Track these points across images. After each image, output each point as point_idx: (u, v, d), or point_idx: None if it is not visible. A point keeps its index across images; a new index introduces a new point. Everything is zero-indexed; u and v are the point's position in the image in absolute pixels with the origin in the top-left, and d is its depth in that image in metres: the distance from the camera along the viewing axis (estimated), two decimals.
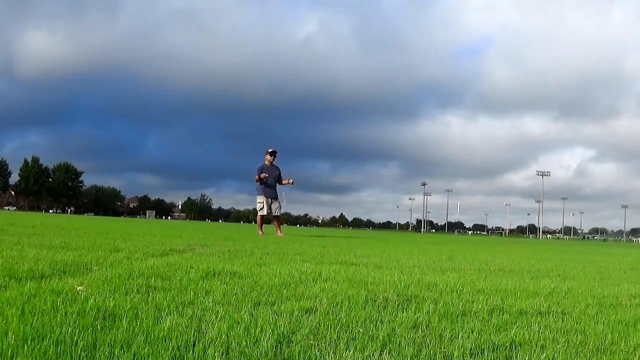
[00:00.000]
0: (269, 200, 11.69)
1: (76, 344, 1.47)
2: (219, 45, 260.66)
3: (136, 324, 1.72)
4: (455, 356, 1.63)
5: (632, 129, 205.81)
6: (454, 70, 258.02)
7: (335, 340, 1.70)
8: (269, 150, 11.94)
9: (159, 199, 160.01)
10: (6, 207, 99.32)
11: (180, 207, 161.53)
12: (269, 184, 11.74)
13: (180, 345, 1.53)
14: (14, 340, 1.46)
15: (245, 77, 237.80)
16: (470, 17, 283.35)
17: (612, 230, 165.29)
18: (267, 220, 12.12)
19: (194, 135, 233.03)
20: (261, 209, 11.59)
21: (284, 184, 11.98)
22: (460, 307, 2.45)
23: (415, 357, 1.61)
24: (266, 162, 11.80)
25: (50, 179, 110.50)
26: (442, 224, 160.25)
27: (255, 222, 12.51)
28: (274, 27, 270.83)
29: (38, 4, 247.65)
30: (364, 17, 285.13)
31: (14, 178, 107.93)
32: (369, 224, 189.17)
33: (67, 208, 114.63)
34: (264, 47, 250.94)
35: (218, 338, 1.62)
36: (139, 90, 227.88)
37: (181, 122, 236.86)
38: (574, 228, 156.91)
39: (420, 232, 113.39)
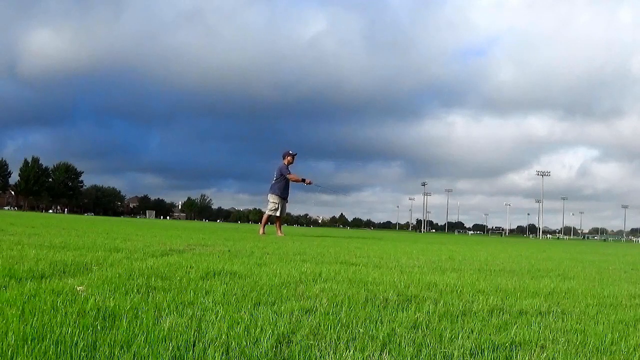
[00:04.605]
0: (283, 201, 11.66)
1: (76, 344, 1.47)
2: (224, 45, 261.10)
3: (136, 324, 1.72)
4: (455, 356, 1.63)
5: (637, 129, 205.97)
6: (460, 70, 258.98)
7: (335, 340, 1.70)
8: (292, 153, 11.81)
9: (159, 199, 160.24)
10: (6, 207, 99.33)
11: (180, 207, 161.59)
12: (288, 186, 11.71)
13: (180, 345, 1.53)
14: (14, 340, 1.46)
15: (251, 77, 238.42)
16: (478, 17, 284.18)
17: (612, 231, 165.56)
18: (269, 220, 12.07)
19: (196, 135, 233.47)
20: (274, 209, 11.52)
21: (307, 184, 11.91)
22: (460, 307, 2.45)
23: (415, 357, 1.61)
24: (285, 163, 11.69)
25: (50, 179, 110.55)
26: (442, 224, 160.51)
27: (260, 222, 12.47)
28: (281, 27, 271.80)
29: (42, 4, 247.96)
30: (371, 17, 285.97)
31: (14, 178, 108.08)
32: (369, 224, 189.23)
33: (63, 208, 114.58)
34: (270, 47, 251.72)
35: (218, 338, 1.63)
36: (142, 90, 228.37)
37: (184, 122, 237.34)
38: (574, 228, 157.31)
39: (421, 232, 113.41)
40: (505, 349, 1.75)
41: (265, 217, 11.84)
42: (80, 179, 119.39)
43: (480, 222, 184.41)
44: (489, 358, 1.65)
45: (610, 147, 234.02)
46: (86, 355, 1.41)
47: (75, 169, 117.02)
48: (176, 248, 5.19)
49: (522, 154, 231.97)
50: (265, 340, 1.63)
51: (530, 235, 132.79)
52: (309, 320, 1.95)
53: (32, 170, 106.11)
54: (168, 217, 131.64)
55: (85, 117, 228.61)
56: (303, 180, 11.73)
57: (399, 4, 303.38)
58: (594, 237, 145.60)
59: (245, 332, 1.71)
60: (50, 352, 1.40)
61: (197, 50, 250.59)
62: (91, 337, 1.55)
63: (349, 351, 1.60)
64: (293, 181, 11.69)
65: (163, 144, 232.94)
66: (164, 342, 1.54)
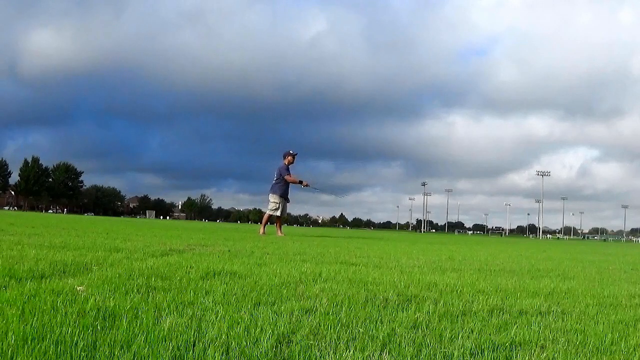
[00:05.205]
0: (284, 201, 11.67)
1: (76, 344, 1.47)
2: (225, 45, 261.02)
3: (136, 324, 1.72)
4: (455, 356, 1.63)
5: (637, 129, 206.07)
6: (460, 70, 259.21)
7: (335, 340, 1.70)
8: (292, 153, 11.81)
9: (159, 199, 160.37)
10: (6, 207, 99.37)
11: (180, 207, 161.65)
12: (289, 186, 11.71)
13: (180, 345, 1.53)
14: (14, 340, 1.46)
15: (251, 77, 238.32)
16: (478, 17, 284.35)
17: (612, 230, 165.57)
18: (269, 220, 12.07)
19: (197, 136, 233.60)
20: (275, 209, 11.53)
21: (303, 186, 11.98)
22: (460, 307, 2.45)
23: (415, 357, 1.61)
24: (285, 163, 11.69)
25: (50, 179, 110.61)
26: (442, 224, 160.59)
27: (260, 222, 12.48)
28: (281, 27, 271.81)
29: (42, 4, 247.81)
30: (372, 17, 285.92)
31: (14, 178, 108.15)
32: (369, 224, 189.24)
33: (63, 208, 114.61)
34: (271, 47, 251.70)
35: (218, 338, 1.62)
36: (143, 91, 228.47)
37: (184, 122, 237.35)
38: (574, 228, 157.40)
39: (421, 232, 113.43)
40: (505, 349, 1.75)
41: (265, 216, 11.85)
42: (80, 179, 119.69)
43: (480, 222, 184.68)
44: (489, 358, 1.65)
45: (610, 147, 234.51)
46: (86, 355, 1.41)
47: (75, 169, 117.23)
48: (176, 248, 5.19)
49: (522, 154, 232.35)
50: (265, 340, 1.63)
51: (530, 235, 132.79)
52: (309, 320, 1.95)
53: (32, 170, 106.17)
54: (168, 217, 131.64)
55: (85, 117, 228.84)
56: (300, 182, 11.75)
57: (399, 4, 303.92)
58: (594, 237, 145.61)
59: (245, 332, 1.71)
60: (50, 352, 1.40)
61: (198, 50, 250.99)
62: (91, 337, 1.55)
63: (349, 351, 1.60)
64: (290, 182, 11.70)
65: (163, 144, 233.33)
66: (164, 342, 1.54)
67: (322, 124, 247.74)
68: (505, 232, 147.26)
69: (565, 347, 1.81)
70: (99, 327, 1.66)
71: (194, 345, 1.54)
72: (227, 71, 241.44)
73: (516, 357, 1.68)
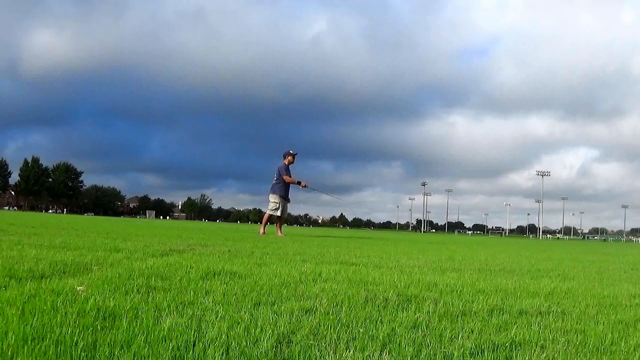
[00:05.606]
0: (284, 201, 11.65)
1: (76, 344, 1.47)
2: (226, 45, 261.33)
3: (136, 324, 1.72)
4: (455, 356, 1.63)
5: (637, 129, 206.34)
6: (461, 70, 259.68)
7: (335, 340, 1.70)
8: (292, 153, 11.80)
9: (159, 199, 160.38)
10: (6, 207, 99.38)
11: (180, 207, 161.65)
12: (289, 186, 11.69)
13: (180, 345, 1.53)
14: (14, 340, 1.46)
15: (251, 77, 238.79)
16: (479, 17, 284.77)
17: (612, 230, 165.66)
18: (269, 220, 12.06)
19: (197, 136, 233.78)
20: (275, 209, 11.50)
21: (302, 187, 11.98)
22: (460, 307, 2.45)
23: (415, 357, 1.61)
24: (285, 163, 11.68)
25: (50, 179, 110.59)
26: (442, 224, 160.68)
27: (261, 222, 12.46)
28: (282, 27, 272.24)
29: (44, 4, 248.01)
30: (373, 17, 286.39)
31: (14, 178, 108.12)
32: (369, 224, 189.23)
33: (63, 208, 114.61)
34: (272, 47, 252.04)
35: (218, 338, 1.62)
36: (144, 91, 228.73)
37: (184, 122, 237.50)
38: (574, 228, 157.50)
39: (421, 232, 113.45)
40: (505, 349, 1.75)
41: (266, 216, 11.84)
42: (80, 179, 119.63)
43: (480, 222, 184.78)
44: (489, 358, 1.65)
45: (610, 147, 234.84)
46: (86, 355, 1.41)
47: (75, 169, 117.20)
48: (176, 248, 5.19)
49: (522, 153, 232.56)
50: (265, 340, 1.63)
51: (530, 235, 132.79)
52: (309, 320, 1.95)
53: (32, 170, 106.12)
54: (168, 217, 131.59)
55: (85, 117, 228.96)
56: (299, 183, 11.73)
57: (399, 4, 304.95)
58: (594, 237, 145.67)
59: (245, 332, 1.71)
60: (50, 352, 1.40)
61: (198, 50, 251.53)
62: (91, 337, 1.54)
63: (349, 351, 1.60)
64: (288, 182, 11.69)
65: (163, 144, 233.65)
66: (164, 342, 1.54)
67: (322, 124, 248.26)
68: (505, 232, 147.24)
69: (565, 347, 1.81)
70: (99, 327, 1.66)
71: (194, 345, 1.54)
72: (227, 71, 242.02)
73: (516, 357, 1.68)
